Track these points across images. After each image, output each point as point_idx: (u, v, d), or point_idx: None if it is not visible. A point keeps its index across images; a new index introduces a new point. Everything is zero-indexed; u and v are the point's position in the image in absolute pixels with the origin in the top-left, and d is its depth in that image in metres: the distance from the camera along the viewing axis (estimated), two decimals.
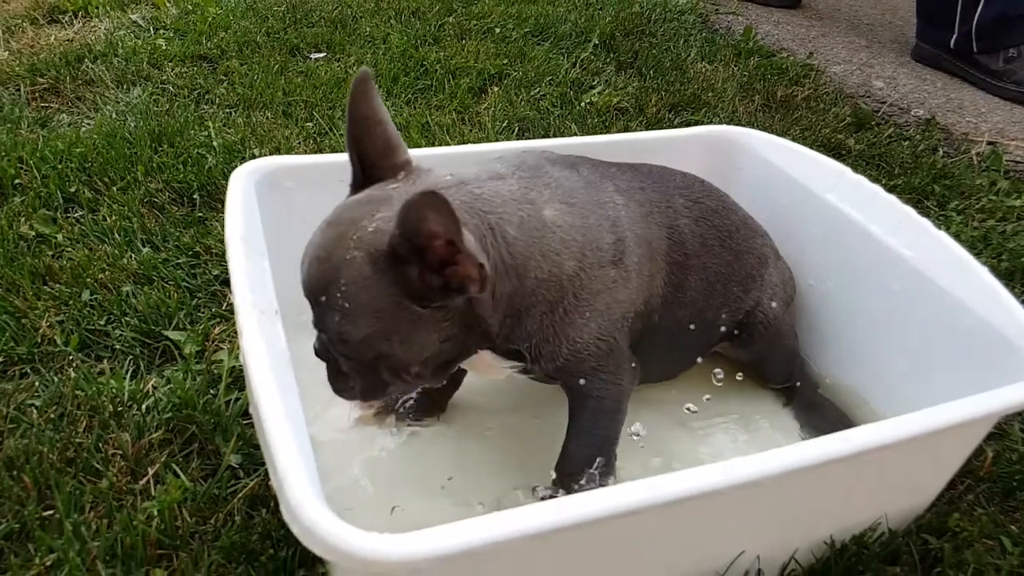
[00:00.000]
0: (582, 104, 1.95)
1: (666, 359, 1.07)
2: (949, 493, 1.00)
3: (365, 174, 0.86)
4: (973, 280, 0.96)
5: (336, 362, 0.85)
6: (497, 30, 2.33)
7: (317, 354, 0.87)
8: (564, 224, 0.87)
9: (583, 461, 0.91)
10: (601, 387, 0.91)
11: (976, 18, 2.21)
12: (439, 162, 1.05)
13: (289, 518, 0.62)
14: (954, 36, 2.28)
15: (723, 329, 1.08)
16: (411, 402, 1.06)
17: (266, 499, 0.92)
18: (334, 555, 0.59)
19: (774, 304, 1.10)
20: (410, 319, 0.79)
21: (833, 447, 0.73)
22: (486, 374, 0.96)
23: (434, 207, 0.69)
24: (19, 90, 1.84)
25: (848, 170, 1.14)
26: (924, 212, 1.09)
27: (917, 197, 1.64)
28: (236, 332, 0.91)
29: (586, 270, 0.88)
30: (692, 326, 1.02)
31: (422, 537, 0.59)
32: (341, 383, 0.86)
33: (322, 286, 0.79)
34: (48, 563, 0.84)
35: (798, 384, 1.14)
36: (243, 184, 0.99)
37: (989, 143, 1.90)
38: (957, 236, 1.11)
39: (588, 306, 0.88)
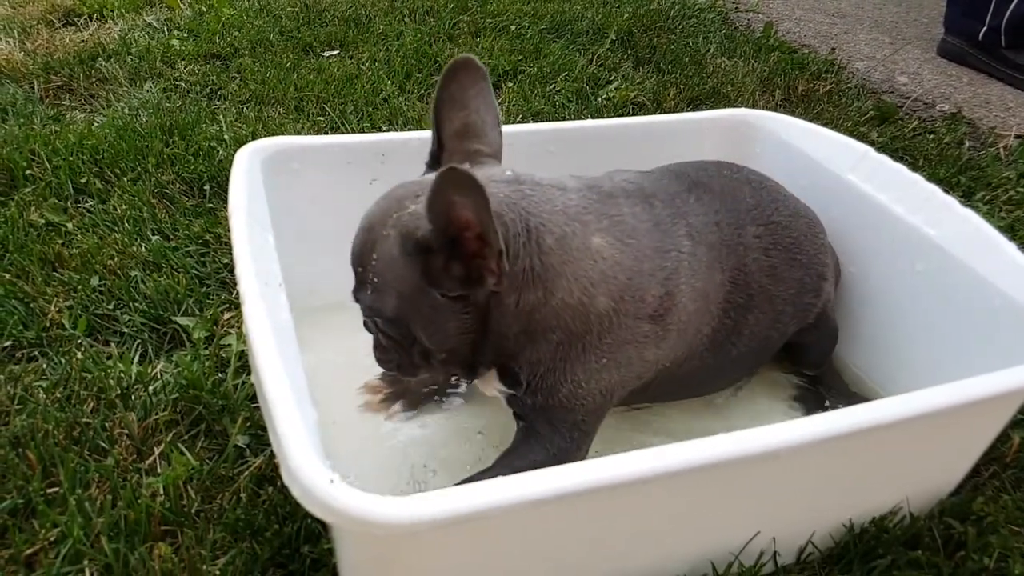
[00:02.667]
0: (599, 99, 1.95)
1: (715, 381, 1.05)
2: (973, 479, 0.98)
3: (440, 152, 0.88)
4: (1001, 258, 0.94)
5: (376, 334, 0.87)
6: (512, 27, 2.34)
7: (365, 325, 0.89)
8: (610, 258, 0.84)
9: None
10: (561, 444, 0.86)
11: (1008, 13, 2.19)
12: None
13: (289, 480, 0.61)
14: (983, 29, 2.26)
15: (792, 332, 1.05)
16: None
17: (272, 478, 0.91)
18: (333, 516, 0.59)
19: (832, 290, 1.08)
20: (431, 304, 0.79)
21: (847, 420, 0.72)
22: (480, 385, 0.94)
23: (458, 185, 0.68)
24: (33, 87, 1.87)
25: (871, 150, 1.12)
26: None
27: (943, 188, 1.60)
28: (244, 316, 0.91)
29: (619, 315, 0.84)
30: (752, 352, 1.00)
31: (423, 500, 0.59)
32: (381, 354, 0.88)
33: (360, 256, 0.82)
34: (52, 538, 0.84)
35: (827, 377, 1.13)
36: (248, 161, 1.00)
37: (1017, 136, 1.88)
38: None
39: (608, 353, 0.84)
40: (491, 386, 0.90)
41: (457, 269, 0.76)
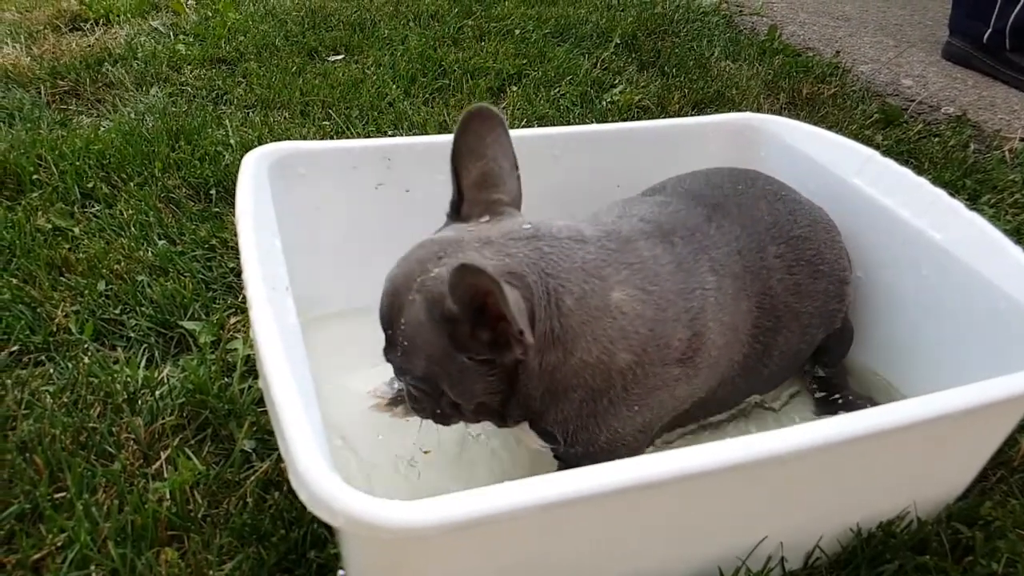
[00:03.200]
0: (603, 103, 1.95)
1: (747, 398, 1.06)
2: (981, 484, 0.98)
3: (460, 202, 0.89)
4: (1006, 261, 0.94)
5: (408, 387, 0.88)
6: (516, 31, 2.35)
7: (396, 377, 0.91)
8: (630, 312, 0.83)
9: None
10: None
11: (1012, 16, 2.19)
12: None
13: (297, 484, 0.61)
14: (988, 31, 2.26)
15: (821, 339, 1.05)
16: None
17: (279, 483, 0.92)
18: (341, 521, 0.59)
19: (853, 293, 1.09)
20: (459, 367, 0.80)
21: (854, 425, 0.72)
22: (522, 439, 0.94)
23: (474, 275, 0.69)
24: (39, 92, 1.88)
25: (876, 154, 1.12)
26: None
27: (948, 191, 1.60)
28: (251, 320, 0.92)
29: (644, 366, 0.84)
30: (783, 368, 1.01)
31: (431, 505, 0.59)
32: (414, 403, 0.89)
33: (388, 320, 0.83)
34: (59, 543, 0.84)
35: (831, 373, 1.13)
36: (255, 166, 1.00)
37: (1022, 139, 1.88)
38: None
39: (639, 400, 0.85)
40: (533, 442, 0.91)
41: (484, 335, 0.77)
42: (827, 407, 1.11)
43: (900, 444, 0.79)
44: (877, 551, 0.86)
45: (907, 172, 1.09)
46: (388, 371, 1.04)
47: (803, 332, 1.00)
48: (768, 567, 0.83)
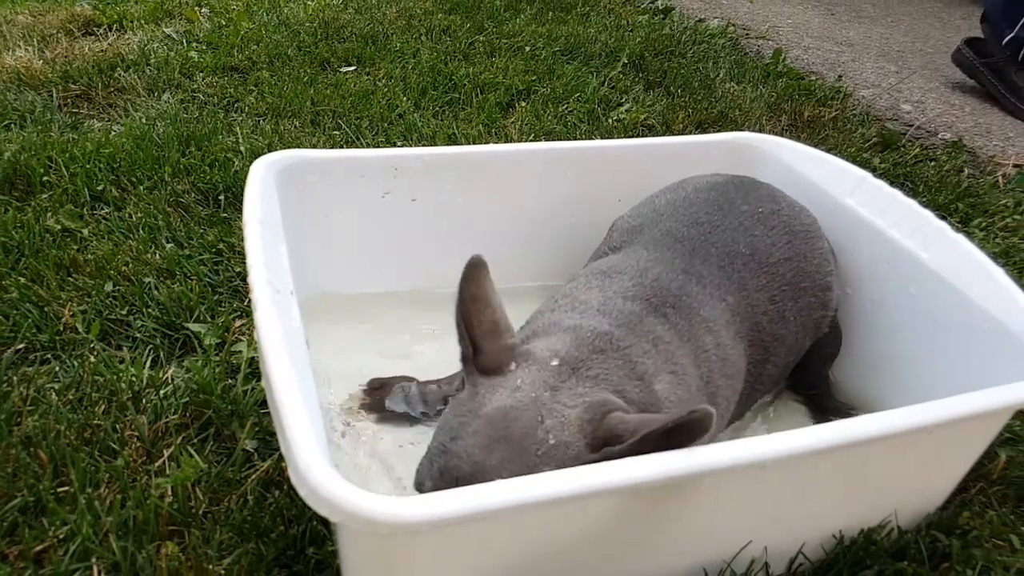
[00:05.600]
0: (610, 120, 1.98)
1: (749, 402, 1.08)
2: (961, 495, 1.01)
3: (475, 354, 0.83)
4: (990, 283, 0.98)
5: None
6: (527, 48, 2.38)
7: None
8: (674, 399, 0.85)
9: None
10: None
11: None
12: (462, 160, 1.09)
13: (296, 480, 0.64)
14: (1011, 35, 2.28)
15: (808, 345, 1.09)
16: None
17: (279, 482, 0.94)
18: (339, 516, 0.61)
19: (840, 291, 1.13)
20: None
21: (835, 434, 0.74)
22: None
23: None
24: (51, 95, 1.91)
25: (869, 175, 1.16)
26: None
27: (940, 214, 1.63)
28: (255, 322, 0.94)
29: None
30: (775, 381, 1.06)
31: (429, 500, 0.61)
32: None
33: None
34: (61, 535, 0.86)
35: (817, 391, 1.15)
36: (263, 172, 1.03)
37: (1016, 165, 1.91)
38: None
39: None
40: None
41: None
42: (814, 417, 1.15)
43: (880, 454, 0.83)
44: (858, 557, 0.89)
45: (897, 193, 1.13)
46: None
47: (790, 350, 1.04)
48: (752, 570, 0.85)
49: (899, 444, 0.82)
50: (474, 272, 0.83)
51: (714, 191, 1.11)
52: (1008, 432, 1.10)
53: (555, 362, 0.82)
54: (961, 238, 1.04)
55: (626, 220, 1.13)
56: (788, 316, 1.02)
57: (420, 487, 0.76)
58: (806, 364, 1.12)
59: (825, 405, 1.16)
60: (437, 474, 0.75)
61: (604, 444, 0.74)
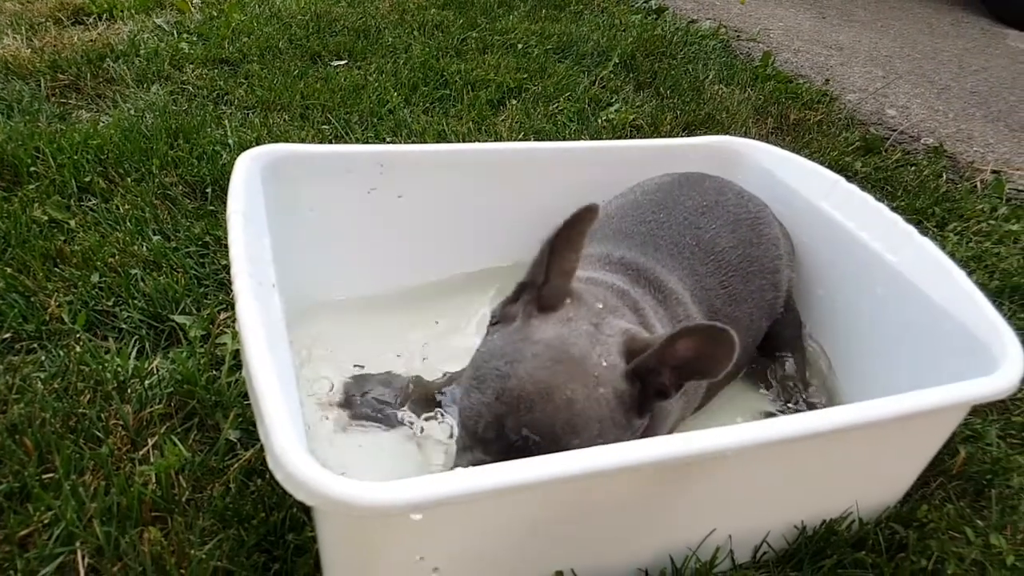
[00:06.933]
0: (599, 120, 2.01)
1: (717, 385, 1.13)
2: (921, 490, 1.06)
3: (545, 283, 0.88)
4: (952, 285, 1.03)
5: None
6: (519, 46, 2.41)
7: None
8: None
9: None
10: None
11: None
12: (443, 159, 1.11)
13: (273, 465, 0.67)
14: None
15: (767, 326, 1.17)
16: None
17: (261, 471, 0.97)
18: (315, 500, 0.64)
19: (793, 273, 1.19)
20: (618, 432, 0.83)
21: (796, 426, 0.78)
22: None
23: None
24: (39, 85, 1.92)
25: (842, 179, 1.20)
26: (922, 232, 1.17)
27: (918, 218, 1.70)
28: (237, 312, 0.96)
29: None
30: (736, 364, 1.10)
31: (400, 485, 0.64)
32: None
33: (553, 424, 0.79)
34: (46, 520, 0.89)
35: (791, 385, 1.19)
36: (248, 166, 1.06)
37: (993, 171, 1.96)
38: (952, 254, 1.16)
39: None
40: None
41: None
42: (779, 410, 1.20)
43: (842, 447, 0.87)
44: (819, 547, 0.94)
45: (868, 197, 1.17)
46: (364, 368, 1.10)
47: (746, 330, 1.11)
48: (717, 558, 0.89)
49: (859, 437, 0.86)
50: (582, 217, 0.87)
51: (660, 191, 1.19)
52: (969, 430, 1.15)
53: (599, 305, 0.90)
54: (927, 242, 1.09)
55: None
56: (740, 298, 1.10)
57: (476, 421, 0.80)
58: (771, 344, 1.20)
59: (794, 397, 1.20)
60: (492, 398, 0.80)
61: (634, 356, 0.83)
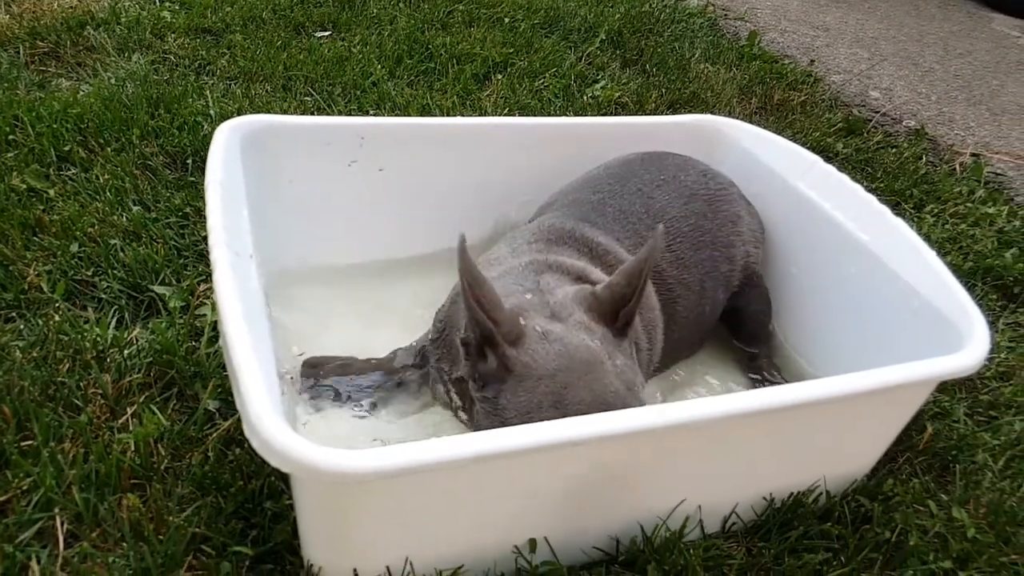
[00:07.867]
0: (585, 97, 2.02)
1: (669, 359, 1.17)
2: (889, 465, 1.09)
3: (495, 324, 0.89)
4: (922, 264, 1.05)
5: None
6: (506, 20, 2.40)
7: None
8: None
9: None
10: None
11: None
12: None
13: (249, 432, 0.68)
14: None
15: (724, 298, 1.20)
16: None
17: (240, 440, 0.98)
18: (290, 466, 0.66)
19: (756, 250, 1.23)
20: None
21: (765, 400, 0.81)
22: None
23: None
24: (18, 52, 1.90)
25: (819, 160, 1.22)
26: (899, 213, 1.20)
27: (896, 200, 1.72)
28: (214, 282, 0.97)
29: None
30: (692, 330, 1.15)
31: (373, 452, 0.66)
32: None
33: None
34: (24, 487, 0.90)
35: (764, 360, 1.22)
36: (228, 136, 1.06)
37: (973, 155, 1.98)
38: (927, 236, 1.19)
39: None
40: None
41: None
42: (750, 383, 1.24)
43: (809, 420, 0.89)
44: (787, 519, 0.97)
45: (845, 178, 1.19)
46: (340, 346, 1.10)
47: (700, 296, 1.15)
48: (687, 528, 0.91)
49: (827, 411, 0.88)
50: (466, 256, 0.87)
51: (623, 166, 1.24)
52: (936, 407, 1.18)
53: (528, 296, 0.95)
54: (899, 222, 1.12)
55: (546, 199, 1.26)
56: (689, 264, 1.15)
57: None
58: (740, 321, 1.24)
59: (764, 373, 1.24)
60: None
61: (604, 314, 0.90)
